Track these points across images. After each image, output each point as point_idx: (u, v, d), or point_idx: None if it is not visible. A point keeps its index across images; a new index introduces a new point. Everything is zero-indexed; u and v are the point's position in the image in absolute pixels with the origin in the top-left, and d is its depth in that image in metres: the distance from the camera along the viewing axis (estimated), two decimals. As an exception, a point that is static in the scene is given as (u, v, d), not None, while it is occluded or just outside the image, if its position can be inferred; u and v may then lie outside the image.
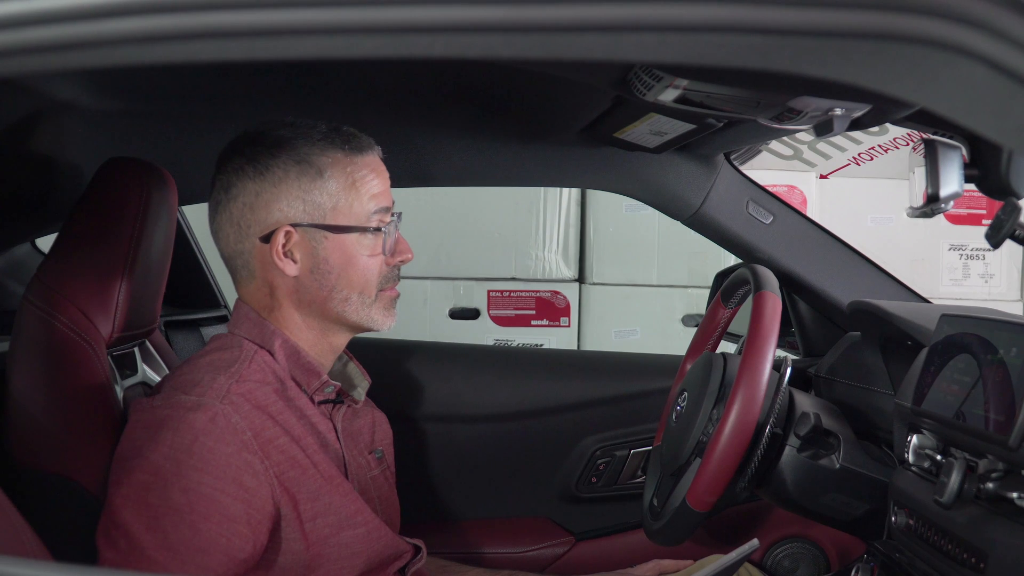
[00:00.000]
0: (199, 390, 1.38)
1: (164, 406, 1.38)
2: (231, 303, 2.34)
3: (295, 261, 1.47)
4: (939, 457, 1.38)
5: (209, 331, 2.20)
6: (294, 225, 1.46)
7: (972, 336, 1.33)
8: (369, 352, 1.66)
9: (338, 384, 1.54)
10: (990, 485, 1.23)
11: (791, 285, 2.05)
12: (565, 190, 3.48)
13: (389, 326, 1.54)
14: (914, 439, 1.43)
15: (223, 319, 2.29)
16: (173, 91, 1.67)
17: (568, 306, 3.51)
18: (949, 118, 0.72)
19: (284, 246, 1.47)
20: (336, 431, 1.54)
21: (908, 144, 3.55)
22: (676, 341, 3.40)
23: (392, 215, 1.53)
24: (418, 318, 3.41)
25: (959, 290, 3.65)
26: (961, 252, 3.66)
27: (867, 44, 0.70)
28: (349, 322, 1.52)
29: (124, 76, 1.51)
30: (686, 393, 1.71)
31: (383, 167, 1.53)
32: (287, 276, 1.48)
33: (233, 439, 1.35)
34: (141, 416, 1.39)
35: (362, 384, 1.64)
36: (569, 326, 3.51)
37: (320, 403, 1.52)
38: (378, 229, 1.49)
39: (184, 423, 1.34)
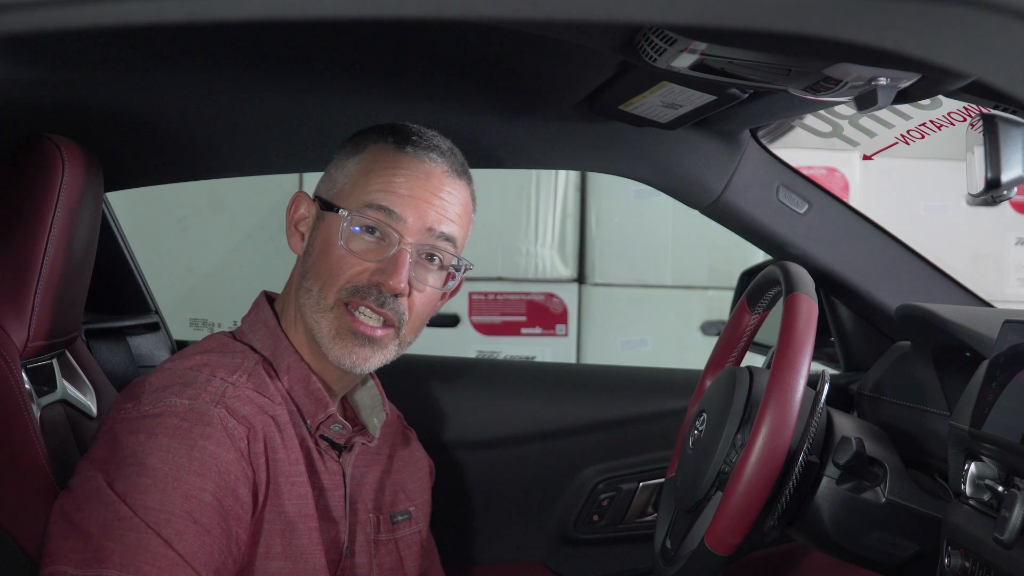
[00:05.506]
0: (192, 392, 1.45)
1: (152, 409, 1.44)
2: (163, 308, 2.34)
3: (302, 239, 1.59)
4: (1001, 488, 1.39)
5: (137, 340, 2.20)
6: (315, 197, 1.60)
7: (1040, 346, 1.35)
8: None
9: (348, 425, 1.58)
10: (1060, 521, 1.25)
11: (829, 286, 2.06)
12: (562, 173, 3.49)
13: (337, 358, 1.54)
14: (972, 467, 1.45)
15: (154, 327, 2.28)
16: (100, 57, 1.67)
17: (565, 311, 3.53)
18: (1006, 92, 0.73)
19: (299, 219, 1.60)
20: (344, 476, 1.59)
21: (965, 120, 3.57)
22: (693, 353, 3.41)
23: (393, 235, 1.53)
24: (387, 326, 3.41)
25: (1028, 292, 3.68)
26: (1031, 247, 3.69)
27: (910, 5, 0.71)
28: (306, 323, 1.56)
29: (42, 40, 1.52)
30: (705, 415, 1.73)
31: (434, 182, 1.57)
32: (297, 255, 1.61)
33: (230, 445, 1.43)
34: (126, 419, 1.45)
35: (378, 416, 1.67)
36: (567, 335, 3.52)
37: (322, 437, 1.57)
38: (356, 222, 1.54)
39: (177, 427, 1.42)
